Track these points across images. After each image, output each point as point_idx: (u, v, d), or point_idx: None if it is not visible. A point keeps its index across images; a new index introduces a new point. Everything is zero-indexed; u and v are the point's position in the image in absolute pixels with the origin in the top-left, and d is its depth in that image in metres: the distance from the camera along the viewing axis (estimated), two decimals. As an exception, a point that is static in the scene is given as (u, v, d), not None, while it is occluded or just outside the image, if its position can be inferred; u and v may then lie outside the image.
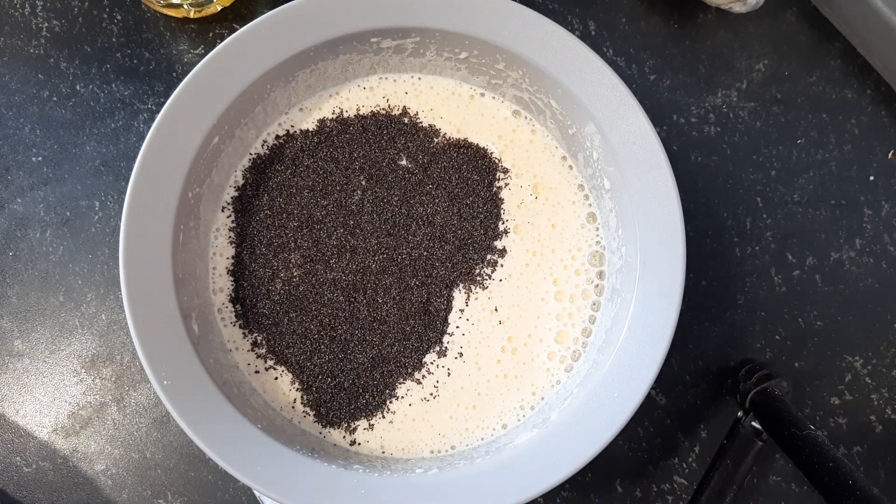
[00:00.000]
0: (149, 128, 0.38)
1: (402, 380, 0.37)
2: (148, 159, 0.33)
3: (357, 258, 0.37)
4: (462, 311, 0.38)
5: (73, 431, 0.41)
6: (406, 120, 0.39)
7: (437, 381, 0.37)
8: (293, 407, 0.37)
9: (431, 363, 0.37)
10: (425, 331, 0.37)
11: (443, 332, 0.37)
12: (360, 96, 0.39)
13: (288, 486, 0.32)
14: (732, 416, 0.41)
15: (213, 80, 0.34)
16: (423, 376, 0.37)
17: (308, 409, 0.37)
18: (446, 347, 0.37)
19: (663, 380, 0.42)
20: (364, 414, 0.37)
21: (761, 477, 0.42)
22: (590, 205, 0.39)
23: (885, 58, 0.42)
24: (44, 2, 0.43)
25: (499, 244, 0.38)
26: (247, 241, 0.37)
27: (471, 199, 0.38)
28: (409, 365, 0.37)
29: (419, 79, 0.39)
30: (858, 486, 0.32)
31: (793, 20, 0.45)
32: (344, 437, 0.37)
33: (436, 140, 0.39)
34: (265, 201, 0.38)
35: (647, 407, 0.42)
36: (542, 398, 0.37)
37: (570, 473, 0.33)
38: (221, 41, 0.34)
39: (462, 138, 0.39)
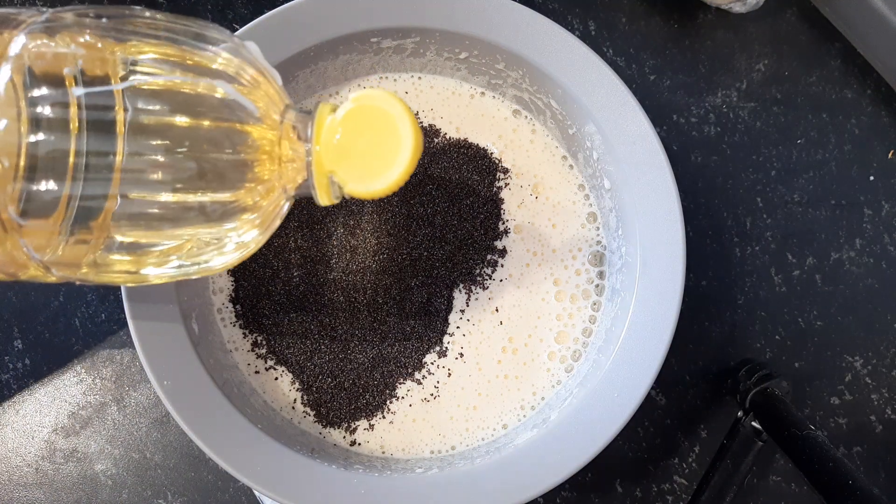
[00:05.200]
0: (149, 128, 0.38)
1: (402, 380, 0.37)
2: (148, 159, 0.33)
3: (357, 258, 0.37)
4: (462, 311, 0.38)
5: (73, 431, 0.41)
6: (406, 120, 0.39)
7: (438, 382, 0.37)
8: (293, 407, 0.37)
9: (432, 363, 0.37)
10: (425, 331, 0.37)
11: (443, 333, 0.37)
12: (360, 96, 0.39)
13: (288, 486, 0.32)
14: (732, 416, 0.41)
15: (213, 80, 0.34)
16: (424, 377, 0.37)
17: (308, 409, 0.37)
18: (447, 348, 0.37)
19: (663, 380, 0.42)
20: (364, 414, 0.37)
21: (761, 477, 0.42)
22: (590, 204, 0.39)
23: (885, 58, 0.42)
24: (43, 2, 0.43)
25: (499, 244, 0.38)
26: (247, 241, 0.37)
27: (471, 199, 0.38)
28: (410, 365, 0.37)
29: (419, 78, 0.39)
30: (858, 486, 0.32)
31: (793, 20, 0.45)
32: (344, 437, 0.37)
33: (436, 140, 0.39)
34: (265, 201, 0.38)
35: (647, 407, 0.42)
36: (543, 398, 0.37)
37: (570, 473, 0.33)
38: (221, 41, 0.34)
39: (462, 138, 0.39)
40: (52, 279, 0.25)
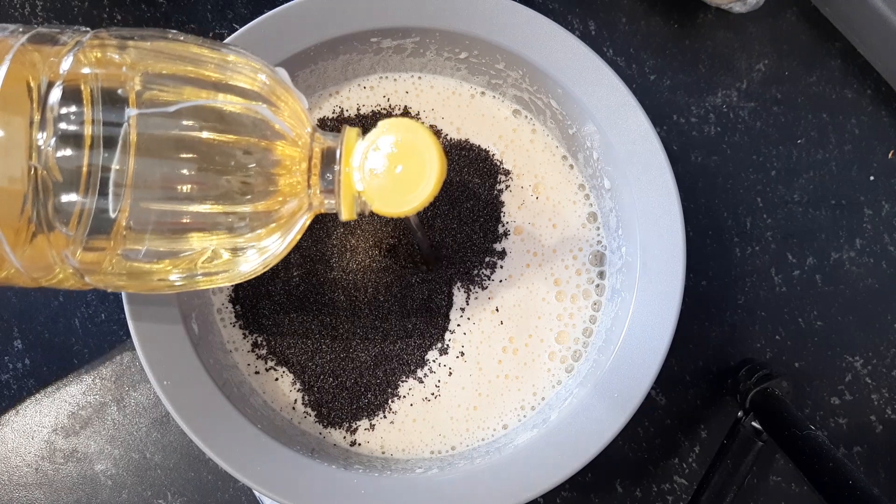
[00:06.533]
0: (149, 128, 0.38)
1: (404, 378, 0.37)
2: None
3: (357, 258, 0.37)
4: (463, 309, 0.38)
5: (73, 431, 0.41)
6: (406, 120, 0.39)
7: (439, 381, 0.37)
8: (293, 408, 0.37)
9: (433, 361, 0.37)
10: (427, 328, 0.37)
11: (444, 329, 0.37)
12: (360, 95, 0.39)
13: (288, 486, 0.32)
14: (732, 416, 0.41)
15: (213, 79, 0.34)
16: (425, 375, 0.37)
17: (309, 410, 0.37)
18: (448, 345, 0.37)
19: (663, 380, 0.42)
20: (366, 413, 0.37)
21: (761, 477, 0.42)
22: (590, 204, 0.39)
23: (885, 58, 0.42)
24: (44, 2, 0.43)
25: (497, 246, 0.38)
26: (247, 241, 0.37)
27: (471, 202, 0.38)
28: (412, 362, 0.37)
29: (419, 78, 0.39)
30: (858, 486, 0.32)
31: (793, 20, 0.45)
32: (344, 437, 0.37)
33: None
34: (265, 201, 0.38)
35: (647, 407, 0.42)
36: (543, 398, 0.37)
37: (570, 473, 0.33)
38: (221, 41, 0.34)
39: (463, 139, 0.39)
40: (72, 284, 0.26)
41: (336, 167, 0.27)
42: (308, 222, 0.29)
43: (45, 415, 0.41)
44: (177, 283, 0.27)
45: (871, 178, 0.44)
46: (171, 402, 0.32)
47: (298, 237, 0.29)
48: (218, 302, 0.37)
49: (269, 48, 0.35)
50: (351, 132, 0.28)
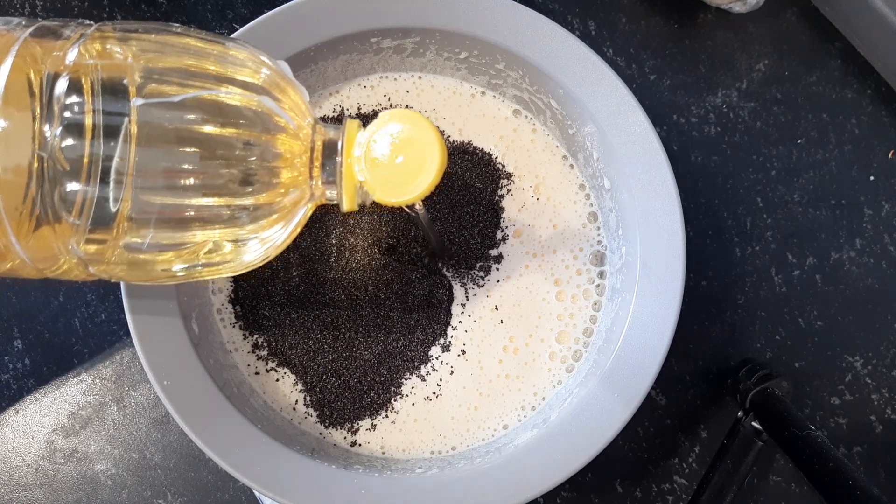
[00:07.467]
0: (149, 128, 0.38)
1: (408, 375, 0.37)
2: (148, 159, 0.33)
3: (356, 256, 0.37)
4: (464, 305, 0.38)
5: (73, 431, 0.41)
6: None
7: (441, 379, 0.37)
8: (294, 408, 0.37)
9: (436, 358, 0.37)
10: (429, 323, 0.37)
11: (447, 324, 0.37)
12: (360, 95, 0.39)
13: (288, 486, 0.32)
14: (732, 416, 0.41)
15: (213, 79, 0.34)
16: (428, 373, 0.37)
17: (311, 410, 0.37)
18: (450, 342, 0.37)
19: (663, 380, 0.42)
20: (368, 413, 0.37)
21: (761, 477, 0.42)
22: (591, 204, 0.39)
23: (885, 58, 0.42)
24: (44, 2, 0.43)
25: (494, 252, 0.38)
26: (247, 241, 0.37)
27: (472, 206, 0.38)
28: (416, 359, 0.37)
29: (419, 78, 0.39)
30: (858, 486, 0.32)
31: (793, 20, 0.45)
32: (345, 437, 0.37)
33: (436, 140, 0.39)
34: (265, 201, 0.38)
35: (647, 407, 0.42)
36: (544, 398, 0.37)
37: (570, 473, 0.33)
38: (221, 41, 0.34)
39: (466, 141, 0.39)
40: (76, 274, 0.26)
41: (338, 158, 0.28)
42: (310, 212, 0.29)
43: (45, 415, 0.41)
44: (179, 274, 0.27)
45: (871, 178, 0.44)
46: (171, 402, 0.32)
47: (300, 227, 0.29)
48: (218, 302, 0.37)
49: (269, 48, 0.35)
50: (352, 124, 0.28)
